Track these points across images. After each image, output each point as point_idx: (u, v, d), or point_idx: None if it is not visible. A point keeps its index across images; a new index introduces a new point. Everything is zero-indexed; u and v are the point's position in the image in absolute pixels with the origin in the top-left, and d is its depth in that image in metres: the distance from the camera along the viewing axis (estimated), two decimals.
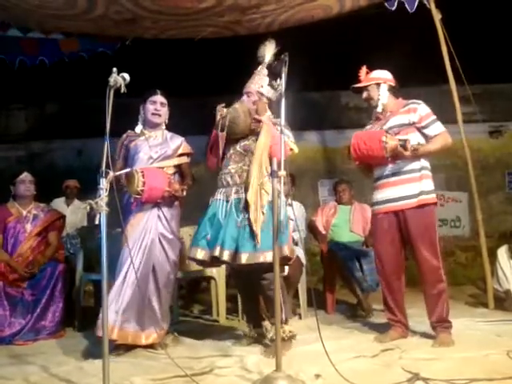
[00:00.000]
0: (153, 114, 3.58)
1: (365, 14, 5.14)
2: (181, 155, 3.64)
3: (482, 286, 4.90)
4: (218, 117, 3.36)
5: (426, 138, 3.40)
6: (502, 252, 4.62)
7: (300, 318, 4.43)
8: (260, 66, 3.54)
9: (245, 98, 3.47)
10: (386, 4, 4.82)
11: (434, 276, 3.34)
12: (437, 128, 3.37)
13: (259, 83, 3.48)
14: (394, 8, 4.79)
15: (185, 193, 3.48)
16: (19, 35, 5.12)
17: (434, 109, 3.46)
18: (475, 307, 4.61)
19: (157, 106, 3.59)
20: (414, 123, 3.37)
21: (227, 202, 3.32)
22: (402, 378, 2.62)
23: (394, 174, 3.40)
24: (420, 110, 3.37)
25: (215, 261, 3.31)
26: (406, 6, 4.77)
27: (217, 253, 3.20)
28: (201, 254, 3.29)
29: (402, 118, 3.40)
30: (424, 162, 3.42)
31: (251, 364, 2.96)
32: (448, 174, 6.91)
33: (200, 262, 3.42)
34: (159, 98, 3.60)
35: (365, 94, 3.54)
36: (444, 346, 3.18)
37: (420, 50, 6.41)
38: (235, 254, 3.18)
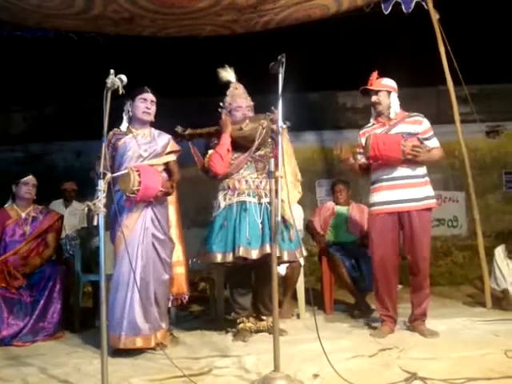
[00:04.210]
0: (144, 112, 3.53)
1: (362, 15, 5.14)
2: (168, 153, 3.61)
3: (480, 285, 4.90)
4: (260, 129, 3.57)
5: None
6: (499, 251, 4.66)
7: (298, 318, 4.43)
8: (233, 83, 3.86)
9: (236, 113, 3.77)
10: (382, 6, 4.84)
11: (426, 273, 3.62)
12: (436, 142, 3.66)
13: (247, 98, 3.83)
14: (387, 12, 4.83)
15: (173, 189, 3.50)
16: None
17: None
18: (473, 307, 4.61)
19: (147, 103, 3.55)
20: (417, 133, 3.60)
21: (260, 204, 3.60)
22: (400, 377, 2.64)
23: (400, 178, 3.58)
24: (425, 123, 3.65)
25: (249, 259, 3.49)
26: (402, 6, 4.79)
27: (268, 250, 3.35)
28: (255, 252, 3.46)
29: (407, 127, 3.62)
30: (426, 170, 3.65)
31: (250, 364, 2.97)
32: (445, 174, 6.94)
33: (243, 260, 3.52)
34: (150, 95, 3.56)
35: (374, 98, 3.69)
36: (435, 336, 3.45)
37: (418, 50, 6.42)
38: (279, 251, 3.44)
